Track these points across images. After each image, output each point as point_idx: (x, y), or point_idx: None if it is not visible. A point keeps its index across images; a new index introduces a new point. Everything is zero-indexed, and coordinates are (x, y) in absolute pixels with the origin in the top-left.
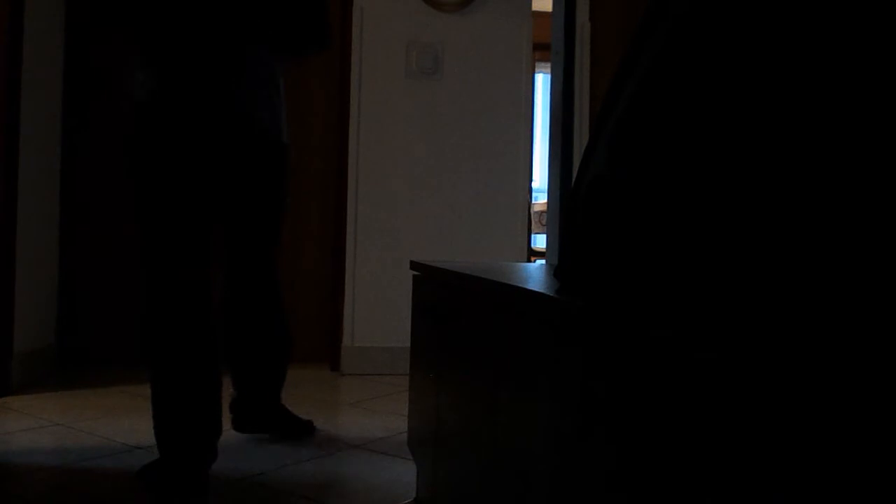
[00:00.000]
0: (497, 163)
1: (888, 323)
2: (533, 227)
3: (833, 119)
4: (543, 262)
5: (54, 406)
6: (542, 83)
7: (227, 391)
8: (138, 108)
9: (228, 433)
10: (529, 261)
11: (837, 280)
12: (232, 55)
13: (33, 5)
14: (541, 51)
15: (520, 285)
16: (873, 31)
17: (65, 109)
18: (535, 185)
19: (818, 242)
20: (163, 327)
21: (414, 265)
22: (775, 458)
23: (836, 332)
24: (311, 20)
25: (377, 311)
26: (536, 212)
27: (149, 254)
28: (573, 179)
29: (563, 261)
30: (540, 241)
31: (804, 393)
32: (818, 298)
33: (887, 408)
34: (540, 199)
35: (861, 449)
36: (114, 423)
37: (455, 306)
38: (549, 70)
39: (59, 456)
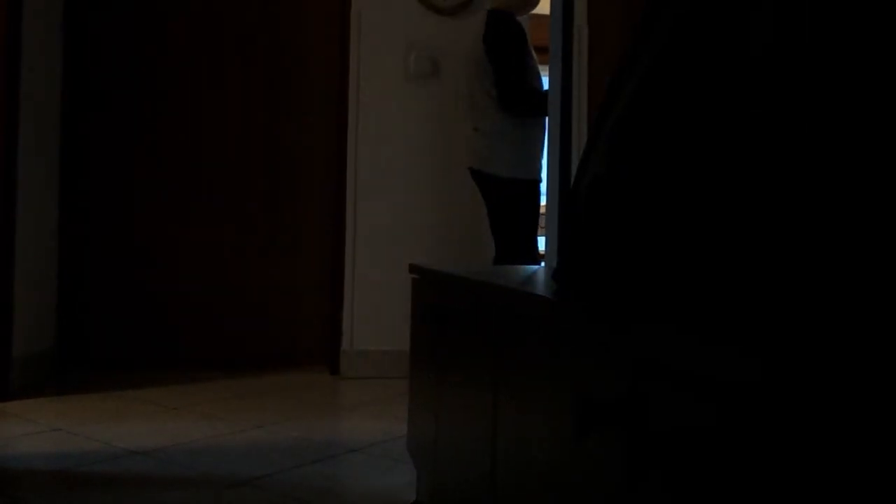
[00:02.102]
0: None
1: (888, 323)
2: None
3: (834, 118)
4: (543, 264)
5: (53, 410)
6: None
7: None
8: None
9: (225, 437)
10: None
11: (839, 283)
12: None
13: (31, 8)
14: (539, 53)
15: (519, 288)
16: (874, 32)
17: (64, 111)
18: None
19: (818, 238)
20: None
21: (413, 268)
22: (775, 463)
23: (840, 337)
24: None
25: (376, 315)
26: None
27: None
28: (572, 181)
29: (562, 263)
30: (539, 244)
31: (809, 397)
32: (819, 297)
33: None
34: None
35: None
36: (113, 428)
37: (454, 309)
38: (547, 73)
39: (59, 460)
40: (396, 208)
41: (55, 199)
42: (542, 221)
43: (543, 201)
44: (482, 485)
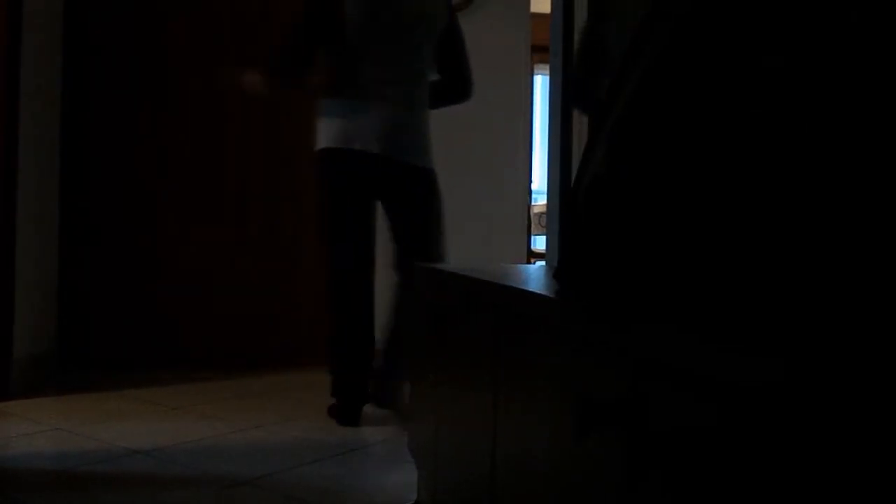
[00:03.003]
0: (496, 165)
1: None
2: (532, 228)
3: (835, 119)
4: (543, 263)
5: (54, 410)
6: (540, 85)
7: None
8: None
9: (225, 437)
10: (529, 262)
11: (839, 283)
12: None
13: (31, 8)
14: (540, 53)
15: (520, 287)
16: (874, 33)
17: (64, 112)
18: (534, 186)
19: (817, 239)
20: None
21: (413, 268)
22: (773, 462)
23: (842, 337)
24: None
25: (376, 315)
26: (536, 213)
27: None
28: (573, 180)
29: (562, 262)
30: (540, 243)
31: (809, 398)
32: (819, 297)
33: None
34: (539, 200)
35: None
36: (114, 428)
37: (455, 309)
38: (548, 72)
39: (60, 460)
40: None
41: (55, 199)
42: (542, 221)
43: (542, 200)
44: (482, 485)
